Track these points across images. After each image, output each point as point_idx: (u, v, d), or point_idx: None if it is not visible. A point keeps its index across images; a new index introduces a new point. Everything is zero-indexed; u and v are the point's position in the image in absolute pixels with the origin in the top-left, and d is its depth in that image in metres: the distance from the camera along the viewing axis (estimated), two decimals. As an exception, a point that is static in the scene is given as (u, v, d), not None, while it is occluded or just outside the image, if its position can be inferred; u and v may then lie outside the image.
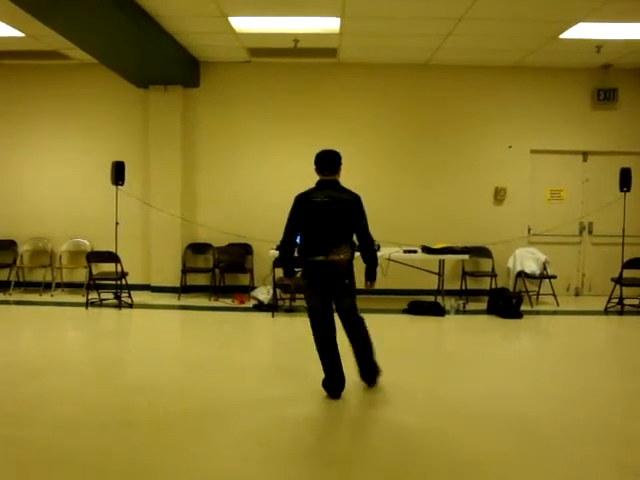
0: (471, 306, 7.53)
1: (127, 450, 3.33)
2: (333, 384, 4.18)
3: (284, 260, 4.34)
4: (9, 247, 8.30)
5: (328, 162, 4.27)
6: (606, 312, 7.35)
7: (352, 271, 4.18)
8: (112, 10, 5.32)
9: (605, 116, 8.20)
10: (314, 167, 4.26)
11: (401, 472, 3.14)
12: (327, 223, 4.06)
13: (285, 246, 4.21)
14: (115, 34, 5.93)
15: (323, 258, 4.03)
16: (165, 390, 4.33)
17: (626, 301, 7.27)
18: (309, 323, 4.25)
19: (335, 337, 4.20)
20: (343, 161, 8.84)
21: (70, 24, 5.69)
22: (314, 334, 4.23)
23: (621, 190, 7.37)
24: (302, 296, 7.02)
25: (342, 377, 4.18)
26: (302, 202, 4.16)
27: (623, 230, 7.41)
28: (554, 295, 7.76)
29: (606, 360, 5.64)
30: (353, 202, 4.15)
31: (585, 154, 8.34)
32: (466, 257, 7.43)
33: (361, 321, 4.29)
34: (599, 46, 6.94)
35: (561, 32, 6.50)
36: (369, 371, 4.32)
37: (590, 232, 8.40)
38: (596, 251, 8.39)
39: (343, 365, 4.21)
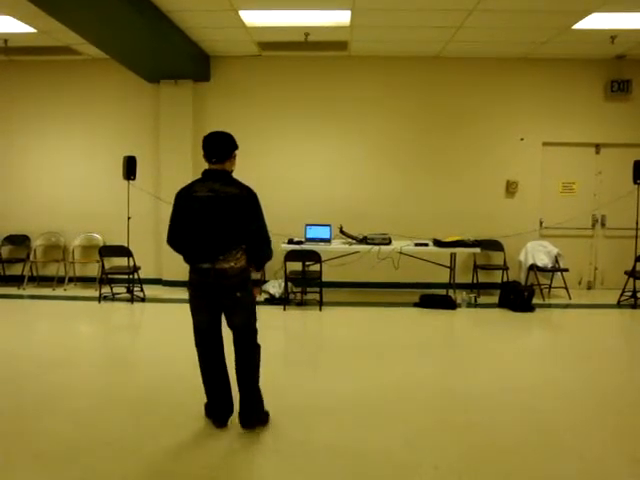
0: (483, 299, 7.51)
1: (141, 442, 3.37)
2: (217, 410, 3.58)
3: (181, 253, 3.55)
4: (23, 242, 8.38)
5: (216, 147, 3.40)
6: (619, 305, 7.31)
7: (247, 282, 3.48)
8: (123, 5, 5.33)
9: (619, 108, 8.11)
10: (202, 154, 3.46)
11: (412, 464, 3.15)
12: (211, 223, 3.31)
13: (175, 248, 3.54)
14: (126, 29, 5.94)
15: (209, 266, 3.34)
16: (178, 383, 4.36)
17: (639, 294, 7.21)
18: (195, 342, 3.59)
19: (222, 358, 3.57)
20: (355, 154, 8.67)
21: (81, 19, 5.71)
22: (197, 353, 3.57)
23: (635, 182, 7.30)
24: (315, 290, 7.12)
25: (228, 402, 3.58)
26: (183, 198, 3.40)
27: (637, 223, 7.36)
28: (566, 288, 7.71)
29: (619, 354, 5.62)
30: (244, 198, 3.34)
31: (598, 146, 8.26)
32: (477, 250, 7.40)
33: (254, 347, 3.57)
34: (613, 36, 6.85)
35: (574, 23, 6.43)
36: (249, 411, 3.53)
37: (603, 225, 8.33)
38: (609, 244, 8.33)
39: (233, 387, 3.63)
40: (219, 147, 3.42)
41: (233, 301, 3.42)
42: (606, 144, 8.21)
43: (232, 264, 3.36)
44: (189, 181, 7.93)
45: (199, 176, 3.48)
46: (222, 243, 3.34)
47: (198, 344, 3.56)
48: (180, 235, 3.45)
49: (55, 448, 3.28)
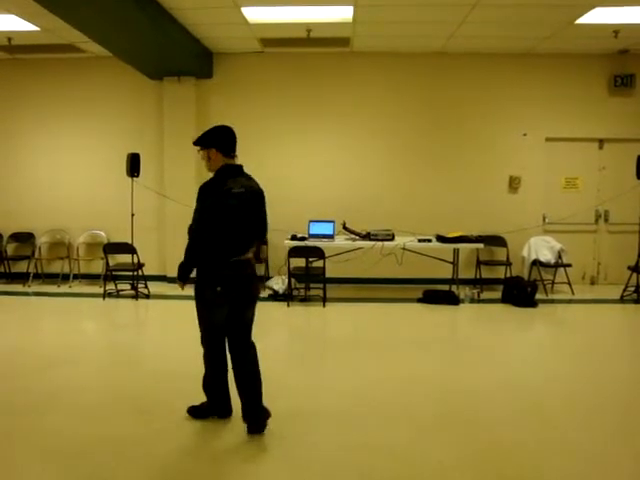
0: (486, 295, 7.53)
1: (146, 438, 3.40)
2: (226, 405, 3.64)
3: (192, 265, 3.48)
4: (28, 239, 8.42)
5: (235, 141, 3.48)
6: (622, 300, 7.31)
7: None
8: (126, 3, 5.36)
9: (622, 103, 8.09)
10: (217, 148, 3.42)
11: (417, 460, 3.17)
12: (245, 218, 3.41)
13: (198, 249, 3.39)
14: (129, 27, 5.96)
15: (243, 257, 3.44)
16: (182, 379, 4.37)
17: (643, 289, 7.22)
18: (205, 344, 3.55)
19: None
20: (358, 151, 8.75)
21: (84, 17, 5.72)
22: (209, 353, 3.56)
23: (638, 177, 7.27)
24: (318, 286, 7.12)
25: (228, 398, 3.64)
26: (219, 194, 3.33)
27: (640, 218, 7.36)
28: (569, 284, 7.72)
29: (622, 349, 5.62)
30: (262, 193, 3.55)
31: (601, 141, 8.24)
32: (481, 246, 7.40)
33: (253, 344, 3.58)
34: (616, 31, 6.83)
35: (577, 17, 6.42)
36: (261, 414, 3.46)
37: (606, 220, 8.32)
38: (612, 239, 8.32)
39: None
40: (235, 142, 3.51)
41: (256, 290, 3.59)
42: (609, 139, 8.20)
43: (250, 255, 3.53)
44: (192, 178, 7.97)
45: (202, 172, 3.53)
46: (253, 236, 3.53)
47: (213, 343, 3.52)
48: (215, 231, 3.32)
49: (63, 444, 3.31)
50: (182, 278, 3.50)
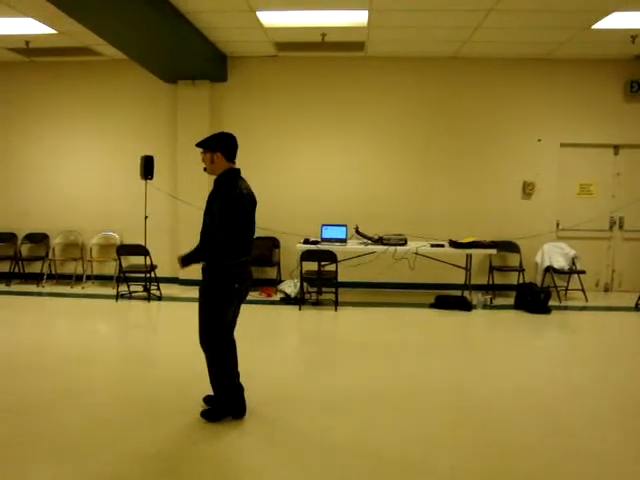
0: (498, 301, 7.48)
1: (157, 439, 3.41)
2: (242, 401, 3.73)
3: (209, 259, 3.59)
4: (42, 240, 8.50)
5: (237, 148, 3.66)
6: (636, 308, 7.23)
7: None
8: (142, 6, 5.40)
9: (638, 108, 8.02)
10: (222, 152, 3.56)
11: (428, 464, 3.15)
12: (252, 218, 3.65)
13: (225, 247, 3.49)
14: (145, 30, 6.01)
15: (249, 256, 3.66)
16: (195, 381, 4.38)
17: (658, 297, 7.14)
18: (215, 343, 3.60)
19: None
20: (371, 155, 8.79)
21: (101, 20, 5.77)
22: (223, 356, 3.63)
23: (654, 184, 7.23)
24: (330, 290, 7.12)
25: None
26: (236, 196, 3.48)
27: (656, 225, 7.29)
28: (583, 291, 7.65)
29: (635, 356, 5.55)
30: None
31: (617, 147, 8.17)
32: (494, 251, 7.36)
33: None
34: (634, 36, 6.78)
35: (594, 23, 6.38)
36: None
37: (621, 227, 8.25)
38: (627, 246, 8.25)
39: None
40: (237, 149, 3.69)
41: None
42: (625, 145, 8.13)
43: None
44: (205, 181, 8.00)
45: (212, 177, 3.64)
46: (253, 235, 3.72)
47: (224, 342, 3.63)
48: (237, 230, 3.49)
49: (74, 443, 3.33)
50: (189, 263, 3.69)
